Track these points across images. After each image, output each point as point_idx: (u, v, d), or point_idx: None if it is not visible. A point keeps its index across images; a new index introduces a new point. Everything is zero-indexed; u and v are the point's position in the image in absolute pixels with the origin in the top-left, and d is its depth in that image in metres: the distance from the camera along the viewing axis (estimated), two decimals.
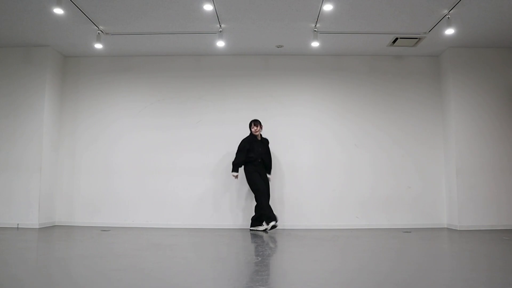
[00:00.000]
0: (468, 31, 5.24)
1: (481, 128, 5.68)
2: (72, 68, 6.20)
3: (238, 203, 5.78)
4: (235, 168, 5.34)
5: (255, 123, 5.46)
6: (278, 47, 5.82)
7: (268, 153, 5.58)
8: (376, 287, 2.39)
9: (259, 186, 5.27)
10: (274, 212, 5.23)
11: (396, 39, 5.48)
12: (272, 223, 5.09)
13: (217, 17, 4.86)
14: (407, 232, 5.24)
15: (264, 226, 5.26)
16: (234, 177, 5.40)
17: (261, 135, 5.54)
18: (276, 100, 6.05)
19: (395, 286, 2.42)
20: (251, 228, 5.40)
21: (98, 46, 5.43)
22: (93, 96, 6.15)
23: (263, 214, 5.21)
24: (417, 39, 5.47)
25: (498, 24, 5.03)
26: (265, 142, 5.60)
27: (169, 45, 5.78)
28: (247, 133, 5.58)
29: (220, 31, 5.21)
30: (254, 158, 5.37)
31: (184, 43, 5.70)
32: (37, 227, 5.47)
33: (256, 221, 5.38)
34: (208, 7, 4.58)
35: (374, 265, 3.11)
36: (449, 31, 4.94)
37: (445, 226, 5.80)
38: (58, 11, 4.54)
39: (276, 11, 4.73)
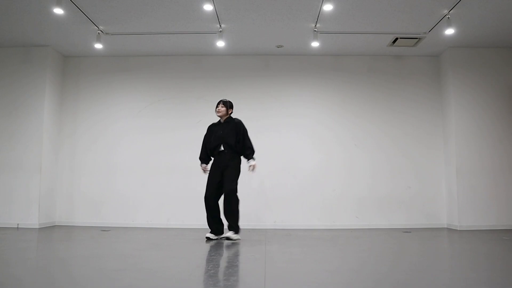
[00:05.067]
0: (468, 31, 5.24)
1: (481, 128, 5.68)
2: (72, 68, 6.20)
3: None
4: (201, 162, 4.55)
5: (220, 103, 4.48)
6: (278, 47, 5.82)
7: (234, 135, 4.39)
8: (376, 287, 2.39)
9: (207, 188, 4.40)
10: (213, 225, 4.43)
11: (396, 39, 5.48)
12: (208, 235, 4.37)
13: (217, 17, 4.86)
14: (407, 232, 5.24)
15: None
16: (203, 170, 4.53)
17: (231, 117, 4.54)
18: (276, 100, 6.05)
19: (395, 286, 2.42)
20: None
21: (98, 46, 5.43)
22: (93, 96, 6.15)
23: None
24: (417, 39, 5.48)
25: (498, 24, 5.03)
26: (231, 122, 4.47)
27: (169, 45, 5.78)
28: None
29: (220, 31, 5.21)
30: (213, 146, 4.41)
31: (184, 43, 5.70)
32: (37, 227, 5.47)
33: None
34: (208, 7, 4.58)
35: (374, 265, 3.11)
36: (449, 31, 4.94)
37: (445, 226, 5.80)
38: (58, 11, 4.54)
39: (276, 11, 4.73)
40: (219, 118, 4.57)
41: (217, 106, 4.51)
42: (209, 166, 4.55)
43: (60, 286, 2.36)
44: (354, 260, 3.35)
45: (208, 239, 4.38)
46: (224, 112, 4.47)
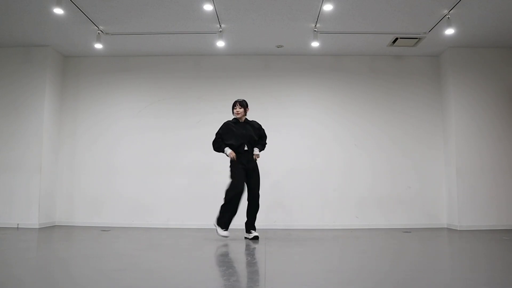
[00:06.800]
0: (468, 31, 5.24)
1: (481, 128, 5.68)
2: (72, 68, 6.20)
3: None
4: (220, 151, 4.53)
5: (236, 104, 4.55)
6: (278, 47, 5.82)
7: (257, 135, 4.60)
8: (376, 287, 2.39)
9: (238, 184, 4.37)
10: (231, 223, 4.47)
11: (396, 39, 5.48)
12: (220, 231, 4.37)
13: (217, 17, 4.86)
14: (407, 232, 5.24)
15: (250, 234, 4.55)
16: (232, 157, 4.43)
17: (247, 118, 4.66)
18: (276, 100, 6.05)
19: (395, 286, 2.42)
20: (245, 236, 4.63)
21: (98, 46, 5.43)
22: (93, 96, 6.15)
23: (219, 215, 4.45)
24: (417, 39, 5.48)
25: (498, 24, 5.03)
26: (253, 124, 4.63)
27: (169, 45, 5.78)
28: None
29: (220, 31, 5.21)
30: (236, 145, 4.45)
31: (184, 43, 5.70)
32: (37, 227, 5.47)
33: (247, 225, 4.63)
34: (208, 7, 4.58)
35: (374, 265, 3.11)
36: (449, 31, 4.94)
37: (445, 226, 5.80)
38: (58, 11, 4.54)
39: (276, 11, 4.73)
40: (233, 117, 4.65)
41: (234, 107, 4.57)
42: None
43: (60, 286, 2.36)
44: (354, 260, 3.35)
45: (225, 238, 4.43)
46: (243, 113, 4.58)
